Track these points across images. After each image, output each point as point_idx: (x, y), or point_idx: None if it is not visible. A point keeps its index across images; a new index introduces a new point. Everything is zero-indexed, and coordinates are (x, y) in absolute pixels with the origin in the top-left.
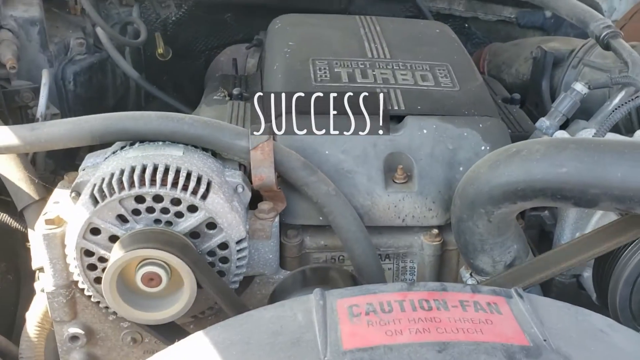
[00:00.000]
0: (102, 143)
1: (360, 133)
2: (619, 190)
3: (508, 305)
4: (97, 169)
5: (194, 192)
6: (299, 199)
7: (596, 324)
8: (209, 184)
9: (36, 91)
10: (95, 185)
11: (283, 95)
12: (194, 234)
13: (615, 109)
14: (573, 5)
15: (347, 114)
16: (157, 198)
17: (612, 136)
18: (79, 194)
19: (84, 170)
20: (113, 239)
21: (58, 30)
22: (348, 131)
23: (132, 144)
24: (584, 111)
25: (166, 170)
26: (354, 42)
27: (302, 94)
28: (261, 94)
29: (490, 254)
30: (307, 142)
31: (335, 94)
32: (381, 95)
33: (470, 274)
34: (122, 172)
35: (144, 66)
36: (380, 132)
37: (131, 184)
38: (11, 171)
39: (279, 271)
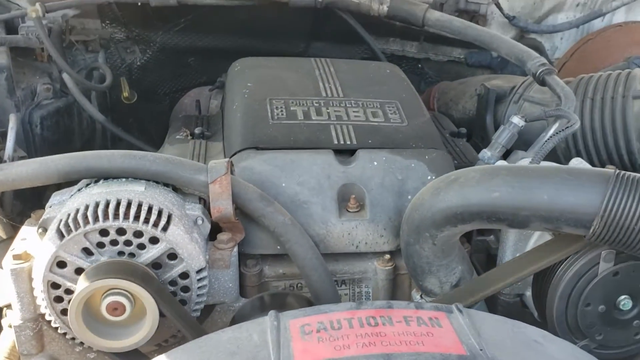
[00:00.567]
0: (68, 181)
1: (315, 166)
2: (545, 211)
3: (448, 320)
4: (63, 205)
5: (155, 225)
6: (257, 230)
7: (531, 335)
8: (169, 217)
9: (4, 135)
10: (61, 220)
11: (241, 132)
12: (155, 264)
13: (548, 139)
14: (512, 45)
15: (302, 148)
16: (121, 231)
17: (546, 164)
18: (45, 230)
19: (50, 207)
20: (79, 271)
21: (25, 77)
22: (303, 164)
23: (96, 182)
24: (526, 142)
25: (129, 204)
26: (309, 83)
27: (260, 131)
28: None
29: (437, 275)
30: (264, 175)
31: (291, 130)
32: (334, 131)
33: (421, 296)
34: (87, 207)
35: (110, 109)
36: (334, 164)
37: (96, 218)
38: None
39: (239, 299)
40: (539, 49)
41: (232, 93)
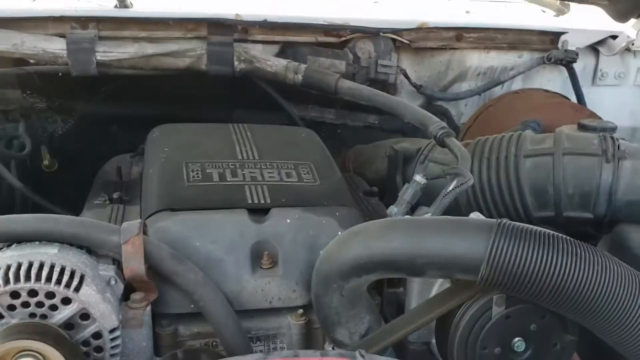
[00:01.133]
0: None
1: (228, 225)
2: (438, 259)
3: None
4: None
5: (68, 285)
6: (170, 289)
7: None
8: (82, 277)
9: None
10: None
11: (157, 194)
12: (68, 325)
13: (446, 194)
14: (415, 111)
15: (215, 208)
16: (32, 292)
17: (440, 217)
18: None
19: None
20: None
21: None
22: (217, 223)
23: (9, 245)
24: (431, 199)
25: (41, 266)
26: (226, 146)
27: (175, 193)
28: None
29: (347, 326)
30: (178, 235)
31: (206, 192)
32: (248, 191)
33: (332, 348)
34: None
35: (30, 178)
36: (247, 223)
37: (7, 281)
38: None
39: (154, 359)
40: (445, 114)
41: (150, 158)
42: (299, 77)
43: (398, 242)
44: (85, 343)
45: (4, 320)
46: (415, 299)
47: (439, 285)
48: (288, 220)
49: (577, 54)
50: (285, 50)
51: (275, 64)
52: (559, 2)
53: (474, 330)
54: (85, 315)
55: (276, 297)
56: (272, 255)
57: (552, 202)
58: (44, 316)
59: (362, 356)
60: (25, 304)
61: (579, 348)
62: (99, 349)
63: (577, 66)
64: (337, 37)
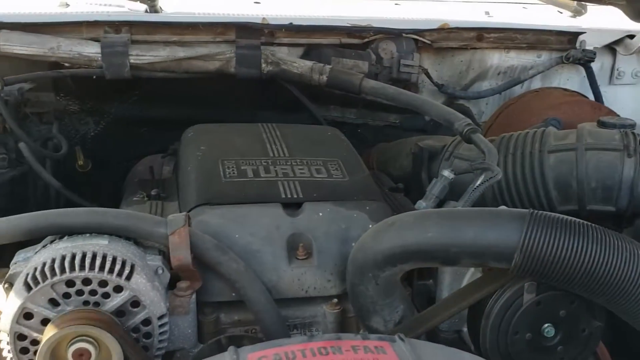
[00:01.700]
0: (34, 238)
1: (265, 218)
2: (472, 248)
3: (392, 347)
4: (28, 261)
5: (119, 274)
6: (213, 278)
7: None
8: (132, 267)
9: None
10: (28, 274)
11: (196, 190)
12: (119, 312)
13: (475, 188)
14: (440, 108)
15: (253, 202)
16: (86, 281)
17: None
18: (12, 285)
19: (15, 264)
20: (44, 322)
21: None
22: (254, 217)
23: (61, 238)
24: (457, 194)
25: (94, 256)
26: (258, 145)
27: (213, 188)
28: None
29: (381, 314)
30: (218, 228)
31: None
32: (282, 186)
33: None
34: (53, 260)
35: (64, 178)
36: (282, 216)
37: (62, 270)
38: None
39: (197, 346)
40: (467, 113)
41: (186, 156)
42: (324, 77)
43: (433, 232)
44: (135, 329)
45: (59, 308)
46: (446, 290)
47: (469, 276)
48: (320, 214)
49: (594, 54)
50: (310, 52)
51: (301, 65)
52: (575, 3)
53: (505, 317)
54: (135, 303)
55: (312, 286)
56: (306, 247)
57: (575, 196)
58: (97, 304)
59: (402, 339)
60: (80, 292)
61: (605, 337)
62: (148, 335)
63: (594, 65)
64: (360, 39)
